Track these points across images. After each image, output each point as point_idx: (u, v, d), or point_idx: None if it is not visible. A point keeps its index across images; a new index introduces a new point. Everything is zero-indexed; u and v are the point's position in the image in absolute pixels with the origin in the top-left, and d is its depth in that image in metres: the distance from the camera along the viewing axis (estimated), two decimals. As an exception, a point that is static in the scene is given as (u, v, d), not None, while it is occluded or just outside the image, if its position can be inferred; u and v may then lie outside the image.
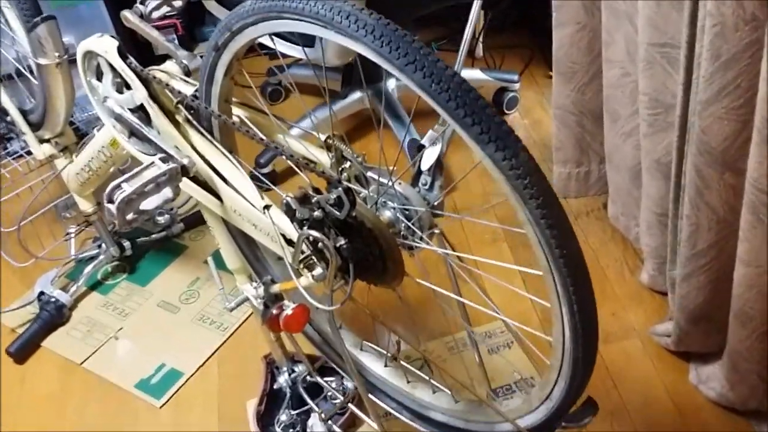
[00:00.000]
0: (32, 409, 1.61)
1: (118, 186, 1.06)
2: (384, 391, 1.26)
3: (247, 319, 1.70)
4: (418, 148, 1.03)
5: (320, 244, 0.96)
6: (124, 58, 1.15)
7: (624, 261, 1.73)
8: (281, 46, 1.81)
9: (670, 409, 1.43)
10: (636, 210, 1.64)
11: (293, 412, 1.42)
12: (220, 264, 1.26)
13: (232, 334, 1.70)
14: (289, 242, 1.06)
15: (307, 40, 1.78)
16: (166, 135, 1.15)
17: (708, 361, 1.45)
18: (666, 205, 1.43)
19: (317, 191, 0.96)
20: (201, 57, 1.14)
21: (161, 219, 1.89)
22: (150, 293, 1.83)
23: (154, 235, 1.94)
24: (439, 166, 1.03)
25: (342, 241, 0.97)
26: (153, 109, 1.14)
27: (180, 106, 1.15)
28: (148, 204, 1.10)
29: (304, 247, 0.99)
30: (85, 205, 1.73)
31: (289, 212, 0.97)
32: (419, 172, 1.03)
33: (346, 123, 2.23)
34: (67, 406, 1.60)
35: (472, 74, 2.22)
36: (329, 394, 1.42)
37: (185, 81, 1.23)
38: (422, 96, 0.82)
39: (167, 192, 1.12)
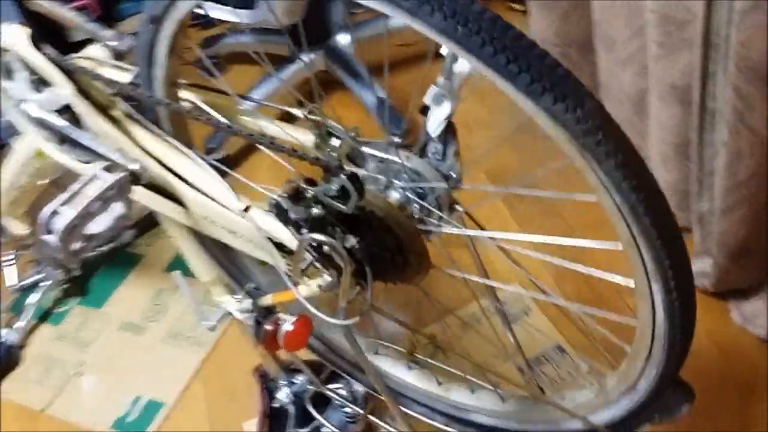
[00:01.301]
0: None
1: (55, 212, 0.84)
2: (410, 397, 1.08)
3: (227, 328, 1.50)
4: (422, 110, 0.83)
5: (326, 248, 0.77)
6: (39, 48, 0.93)
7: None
8: (214, 12, 1.58)
9: (714, 354, 1.30)
10: (642, 142, 1.47)
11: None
12: (184, 270, 1.06)
13: (212, 349, 1.49)
14: (280, 247, 0.86)
15: (244, 2, 1.55)
16: (105, 137, 0.93)
17: (749, 297, 1.31)
18: (684, 133, 1.27)
19: (311, 182, 0.76)
20: (132, 35, 0.93)
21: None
22: (108, 316, 1.60)
23: (102, 248, 1.71)
24: (450, 129, 0.83)
25: (353, 241, 0.77)
26: (84, 108, 0.92)
27: (117, 98, 0.93)
28: (97, 226, 0.89)
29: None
30: (19, 227, 1.49)
31: (281, 215, 0.77)
32: (428, 140, 0.84)
33: (301, 89, 2.01)
34: (35, 462, 1.38)
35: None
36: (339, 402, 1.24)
37: (118, 67, 1.01)
38: (445, 44, 0.62)
39: (118, 208, 0.91)
